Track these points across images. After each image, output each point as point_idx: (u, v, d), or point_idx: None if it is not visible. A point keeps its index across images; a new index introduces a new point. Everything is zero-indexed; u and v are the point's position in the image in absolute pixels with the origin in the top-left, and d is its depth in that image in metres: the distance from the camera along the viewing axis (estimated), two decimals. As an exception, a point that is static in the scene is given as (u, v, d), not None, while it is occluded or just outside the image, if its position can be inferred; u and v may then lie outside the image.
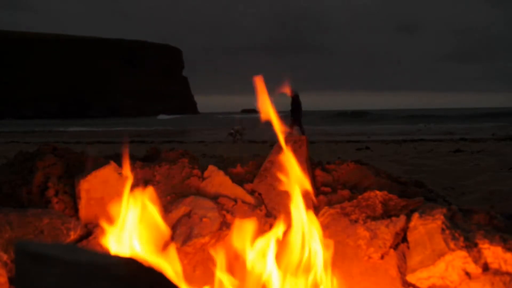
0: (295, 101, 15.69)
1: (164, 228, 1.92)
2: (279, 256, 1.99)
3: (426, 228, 1.94)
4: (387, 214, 2.21)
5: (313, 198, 2.23)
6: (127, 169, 2.11)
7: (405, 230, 2.08)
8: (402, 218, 2.10)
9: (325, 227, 2.25)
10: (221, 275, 1.99)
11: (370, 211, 2.23)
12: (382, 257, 2.12)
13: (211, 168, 2.53)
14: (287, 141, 2.46)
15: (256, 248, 1.98)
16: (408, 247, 2.04)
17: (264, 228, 2.26)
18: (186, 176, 2.55)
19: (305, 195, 2.11)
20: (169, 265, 1.65)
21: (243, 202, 2.43)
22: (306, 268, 1.96)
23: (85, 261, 0.73)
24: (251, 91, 2.05)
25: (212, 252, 2.09)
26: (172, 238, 2.33)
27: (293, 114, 15.72)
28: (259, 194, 2.49)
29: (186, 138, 19.96)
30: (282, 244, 2.02)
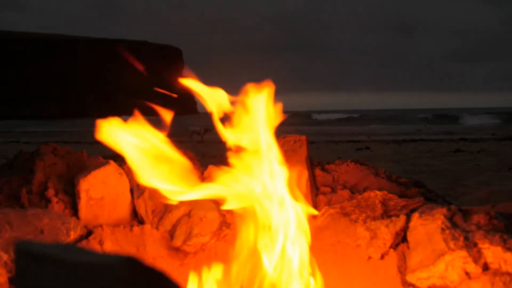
0: None
1: None
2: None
3: (426, 228, 1.94)
4: (387, 214, 2.21)
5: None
6: None
7: (405, 230, 2.08)
8: (402, 218, 2.10)
9: (325, 227, 2.25)
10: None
11: (370, 211, 2.23)
12: (382, 257, 2.12)
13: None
14: (287, 140, 2.46)
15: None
16: (408, 247, 2.03)
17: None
18: (186, 176, 2.54)
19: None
20: None
21: (243, 202, 2.43)
22: None
23: (85, 261, 0.73)
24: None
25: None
26: (172, 238, 2.33)
27: None
28: (259, 194, 2.49)
29: (186, 137, 19.94)
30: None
